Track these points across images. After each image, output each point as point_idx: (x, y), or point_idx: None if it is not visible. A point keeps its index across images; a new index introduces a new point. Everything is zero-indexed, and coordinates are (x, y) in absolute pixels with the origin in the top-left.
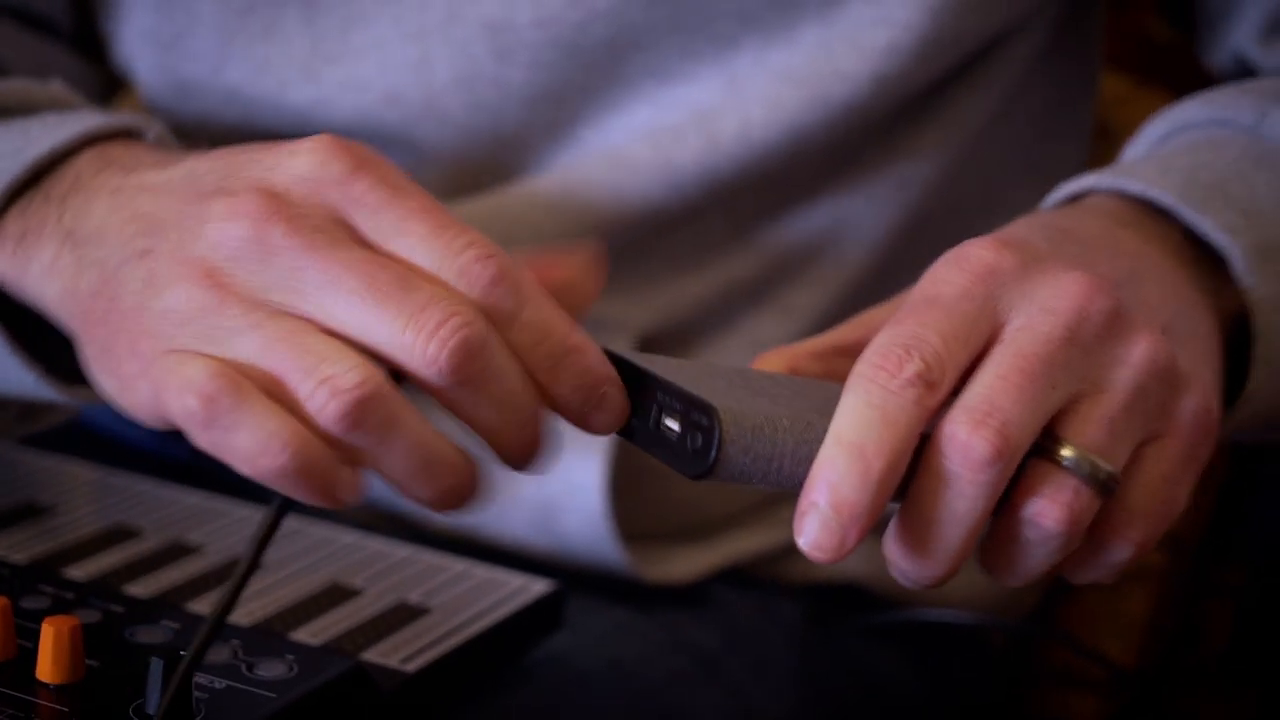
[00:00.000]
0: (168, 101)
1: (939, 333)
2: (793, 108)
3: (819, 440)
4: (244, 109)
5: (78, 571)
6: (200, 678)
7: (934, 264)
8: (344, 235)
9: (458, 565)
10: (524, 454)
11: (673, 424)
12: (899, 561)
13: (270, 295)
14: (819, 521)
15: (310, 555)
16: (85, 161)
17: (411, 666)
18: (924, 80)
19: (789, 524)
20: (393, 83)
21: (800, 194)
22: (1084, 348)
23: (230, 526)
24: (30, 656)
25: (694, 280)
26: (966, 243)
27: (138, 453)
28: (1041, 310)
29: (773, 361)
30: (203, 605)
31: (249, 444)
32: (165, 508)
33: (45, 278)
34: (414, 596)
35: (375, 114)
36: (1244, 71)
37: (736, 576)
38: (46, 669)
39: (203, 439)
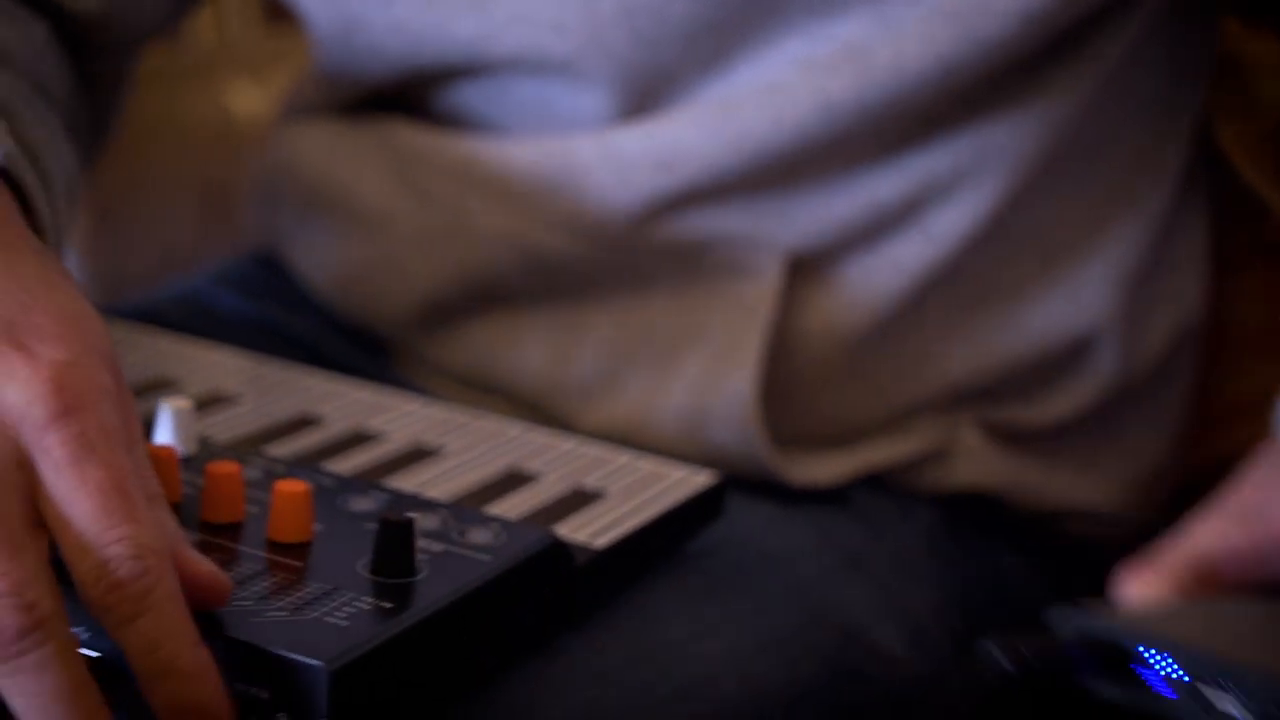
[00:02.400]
0: (335, 35)
1: None
2: (944, 42)
3: None
4: (410, 42)
5: (278, 451)
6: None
7: None
8: (10, 488)
9: (622, 456)
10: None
11: None
12: None
13: None
14: None
15: (484, 445)
16: None
17: (599, 543)
18: (1069, 18)
19: (925, 433)
20: (558, 14)
21: (947, 122)
22: None
23: (405, 417)
24: (256, 520)
25: (840, 202)
26: None
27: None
28: None
29: (1150, 581)
30: (398, 483)
31: None
32: (338, 399)
33: None
34: (588, 482)
35: (540, 45)
36: None
37: (874, 482)
38: (280, 529)
39: None
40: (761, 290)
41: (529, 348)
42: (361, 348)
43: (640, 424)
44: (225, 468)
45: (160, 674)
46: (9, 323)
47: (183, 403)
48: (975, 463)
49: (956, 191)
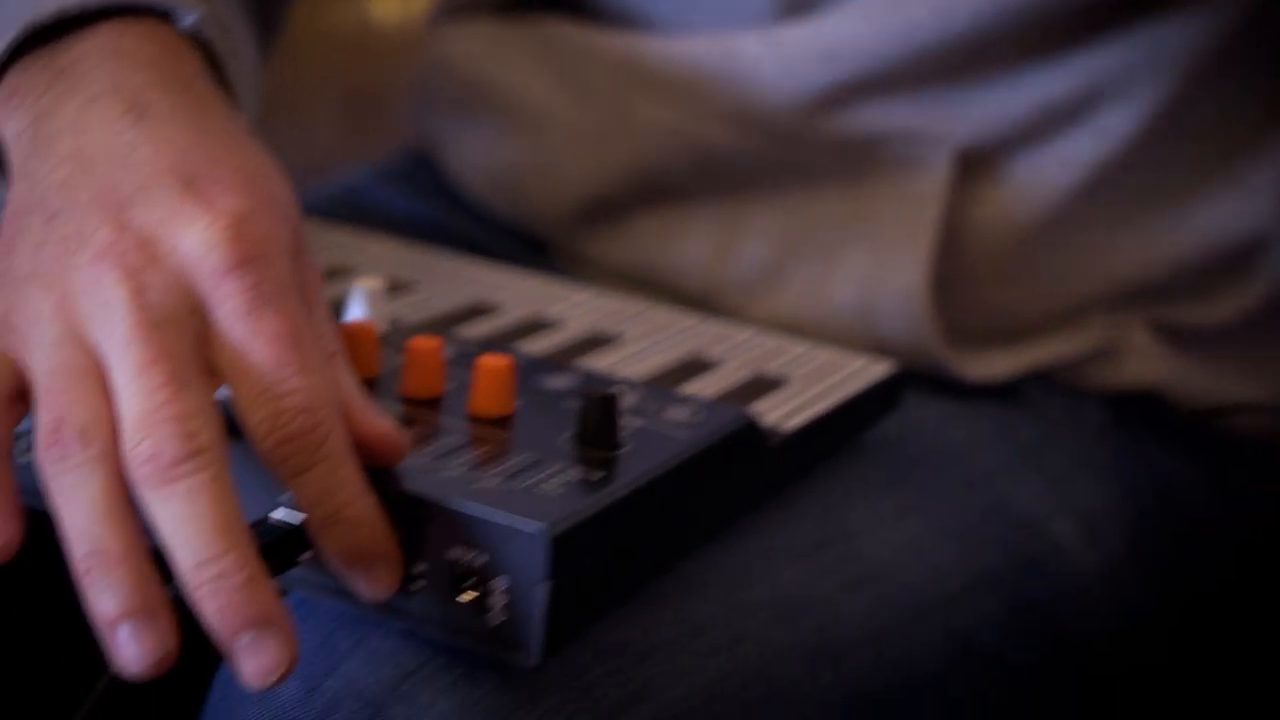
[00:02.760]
0: None
1: None
2: None
3: None
4: None
5: (466, 332)
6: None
7: None
8: (182, 330)
9: (799, 346)
10: (351, 563)
11: None
12: None
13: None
14: None
15: (661, 333)
16: (96, 42)
17: (787, 427)
18: None
19: (1094, 331)
20: None
21: (1118, 20)
22: None
23: (578, 307)
24: (455, 395)
25: (1010, 98)
26: None
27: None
28: None
29: None
30: (588, 364)
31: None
32: (511, 289)
33: (11, 147)
34: (769, 369)
35: None
36: None
37: (1044, 380)
38: (483, 403)
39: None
40: (931, 185)
41: (692, 243)
42: (520, 246)
43: (806, 318)
44: (428, 342)
45: (330, 522)
46: (191, 175)
47: (375, 282)
48: (1143, 361)
49: (1128, 90)
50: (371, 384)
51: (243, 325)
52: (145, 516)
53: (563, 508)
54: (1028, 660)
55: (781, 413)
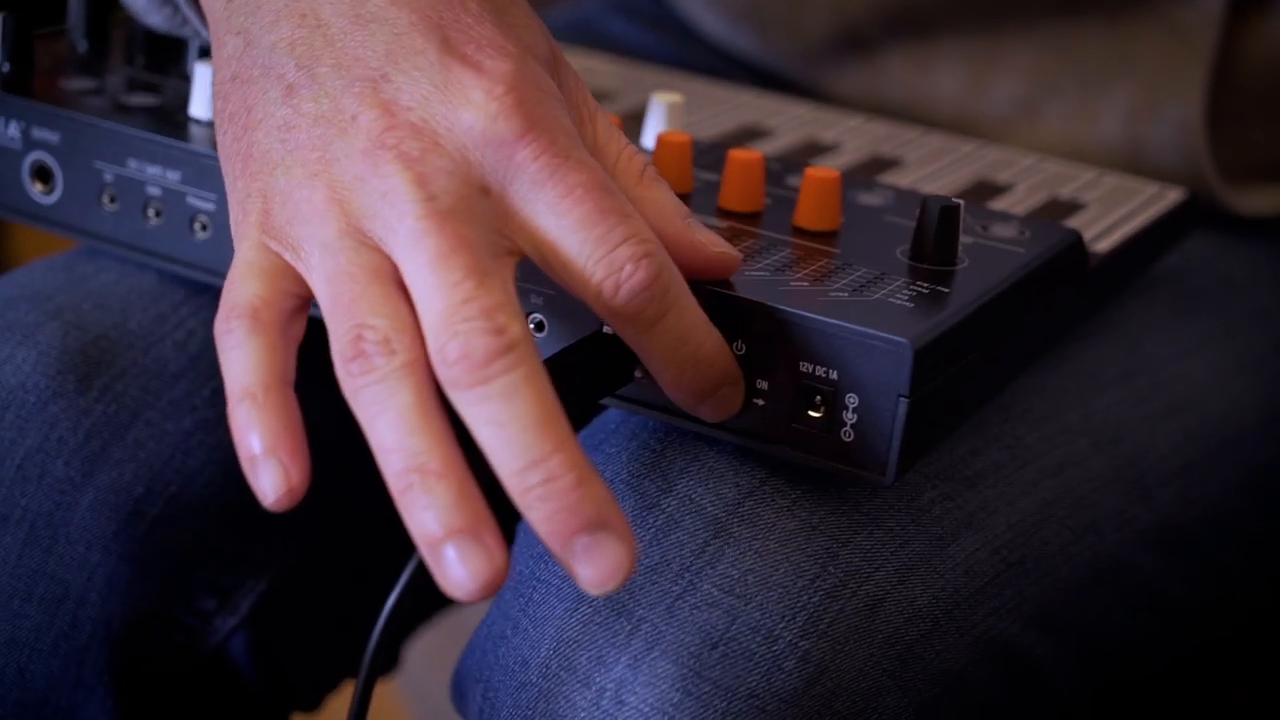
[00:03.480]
0: None
1: None
2: None
3: None
4: None
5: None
6: None
7: None
8: (475, 214)
9: (1086, 171)
10: (700, 398)
11: None
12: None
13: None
14: None
15: (943, 158)
16: None
17: (1100, 248)
18: None
19: None
20: None
21: None
22: None
23: (851, 131)
24: (775, 210)
25: None
26: None
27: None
28: None
29: None
30: (893, 178)
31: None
32: (781, 114)
33: None
34: (1063, 193)
35: None
36: None
37: None
38: (810, 215)
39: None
40: (1203, 16)
41: (944, 76)
42: (761, 84)
43: (1067, 152)
44: (749, 154)
45: (685, 366)
46: (445, 34)
47: (675, 96)
48: None
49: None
50: (686, 199)
51: (549, 191)
52: (461, 420)
53: (921, 321)
54: None
55: (1090, 235)
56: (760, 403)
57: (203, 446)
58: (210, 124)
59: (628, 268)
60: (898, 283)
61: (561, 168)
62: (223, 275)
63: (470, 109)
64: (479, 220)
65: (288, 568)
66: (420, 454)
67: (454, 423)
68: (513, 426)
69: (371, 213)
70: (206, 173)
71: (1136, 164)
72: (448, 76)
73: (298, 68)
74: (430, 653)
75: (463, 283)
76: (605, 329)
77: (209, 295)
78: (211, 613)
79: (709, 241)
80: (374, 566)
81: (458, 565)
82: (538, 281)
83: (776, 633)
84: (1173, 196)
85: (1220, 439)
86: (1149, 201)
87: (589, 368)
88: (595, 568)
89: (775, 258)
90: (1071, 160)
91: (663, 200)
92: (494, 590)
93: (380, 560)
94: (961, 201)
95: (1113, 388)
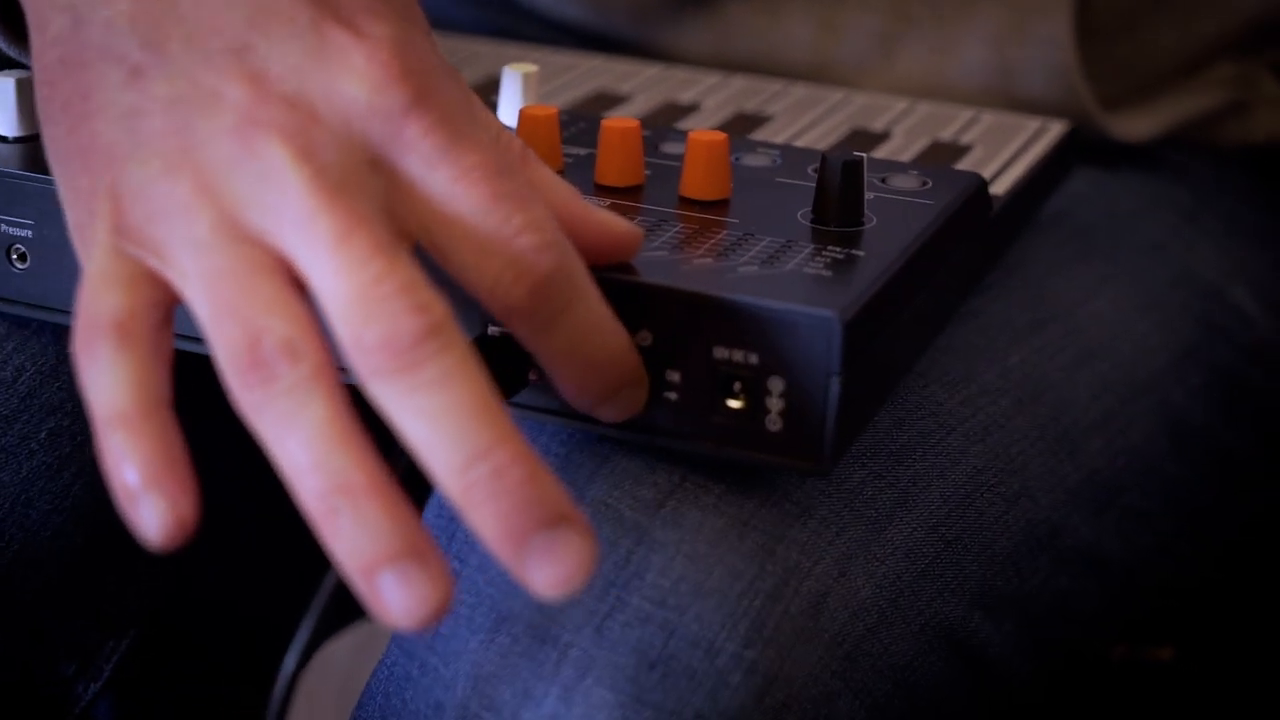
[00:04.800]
0: None
1: None
2: None
3: None
4: None
5: None
6: None
7: None
8: (368, 190)
9: (963, 111)
10: (602, 400)
11: None
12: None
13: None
14: None
15: (814, 109)
16: None
17: (998, 190)
18: None
19: (1225, 82)
20: None
21: None
22: None
23: (711, 90)
24: (657, 181)
25: None
26: None
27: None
28: None
29: None
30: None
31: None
32: (632, 78)
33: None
34: (945, 136)
35: None
36: None
37: (1180, 143)
38: (697, 184)
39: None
40: None
41: (793, 22)
42: (598, 48)
43: (931, 85)
44: (625, 123)
45: (590, 365)
46: None
47: (529, 67)
48: (1274, 112)
49: None
50: (560, 176)
51: (442, 170)
52: (386, 418)
53: (843, 290)
54: (1239, 440)
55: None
56: (672, 396)
57: (45, 494)
58: (16, 140)
59: (527, 259)
60: (807, 250)
61: (455, 147)
62: (48, 308)
63: (351, 78)
64: (374, 198)
65: (153, 619)
66: (343, 471)
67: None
68: (449, 417)
69: (250, 199)
70: (20, 195)
71: (1005, 94)
72: (323, 42)
73: (143, 47)
74: (318, 697)
75: (370, 261)
76: (492, 330)
77: (32, 327)
78: (71, 678)
79: (610, 220)
80: (250, 608)
81: (400, 592)
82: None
83: (718, 644)
84: (1056, 130)
85: (1135, 383)
86: (1034, 137)
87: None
88: (557, 566)
89: (669, 234)
90: (938, 99)
91: (552, 181)
92: (441, 617)
93: (256, 600)
94: (865, 155)
95: (1024, 339)
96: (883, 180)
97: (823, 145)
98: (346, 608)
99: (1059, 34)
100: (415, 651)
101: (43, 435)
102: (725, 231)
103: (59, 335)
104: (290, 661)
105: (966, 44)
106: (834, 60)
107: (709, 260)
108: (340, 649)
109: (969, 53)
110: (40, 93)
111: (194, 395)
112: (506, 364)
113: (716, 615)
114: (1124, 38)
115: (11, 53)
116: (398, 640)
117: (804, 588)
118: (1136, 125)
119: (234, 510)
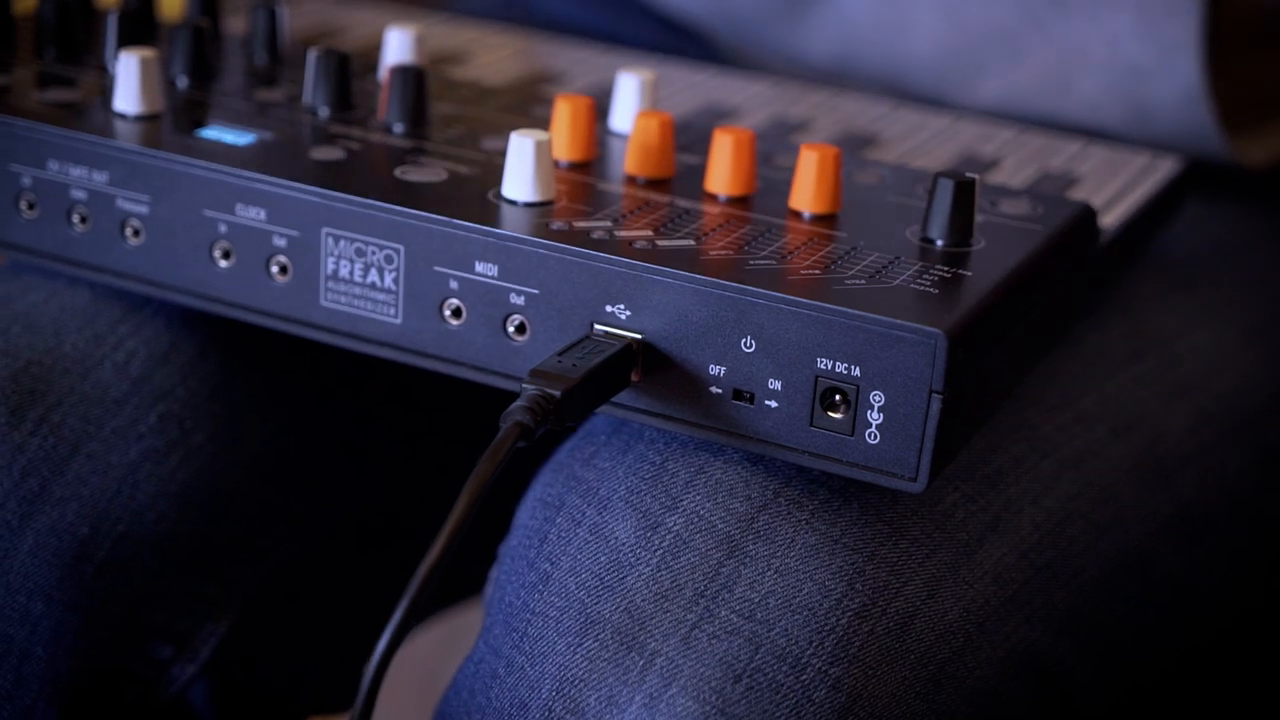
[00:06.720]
0: None
1: None
2: None
3: None
4: None
5: None
6: None
7: None
8: None
9: (1073, 144)
10: None
11: None
12: None
13: None
14: None
15: (920, 131)
16: None
17: (1108, 222)
18: None
19: None
20: None
21: None
22: None
23: (820, 107)
24: (766, 190)
25: None
26: None
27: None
28: None
29: None
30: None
31: None
32: (743, 91)
33: None
34: (1053, 166)
35: None
36: None
37: None
38: (809, 197)
39: None
40: None
41: (917, 22)
42: (698, 50)
43: (1054, 87)
44: (738, 132)
45: None
46: None
47: (648, 73)
48: None
49: None
50: (665, 183)
51: None
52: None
53: (950, 308)
54: None
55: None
56: (772, 404)
57: (151, 479)
58: (138, 119)
59: None
60: (915, 267)
61: None
62: (160, 284)
63: None
64: None
65: (249, 605)
66: None
67: (460, 423)
68: None
69: None
70: (138, 172)
71: (1133, 105)
72: None
73: None
74: (401, 688)
75: None
76: (598, 329)
77: (149, 310)
78: (168, 661)
79: None
80: (343, 595)
81: None
82: (520, 280)
83: (804, 660)
84: (1168, 166)
85: (1234, 417)
86: (1145, 171)
87: (598, 376)
88: None
89: (777, 245)
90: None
91: None
92: None
93: (348, 587)
94: (977, 177)
95: (1122, 368)
96: (993, 204)
97: (934, 167)
98: (437, 597)
99: (1188, 40)
100: (502, 650)
101: (152, 420)
102: (833, 245)
103: (172, 320)
104: (379, 651)
105: (1092, 47)
106: (955, 65)
107: (816, 271)
108: (425, 643)
109: (1095, 55)
110: None
111: (294, 389)
112: (610, 365)
113: (804, 631)
114: (1246, 57)
115: None
116: (485, 638)
117: (892, 608)
118: (1252, 151)
119: (330, 507)
